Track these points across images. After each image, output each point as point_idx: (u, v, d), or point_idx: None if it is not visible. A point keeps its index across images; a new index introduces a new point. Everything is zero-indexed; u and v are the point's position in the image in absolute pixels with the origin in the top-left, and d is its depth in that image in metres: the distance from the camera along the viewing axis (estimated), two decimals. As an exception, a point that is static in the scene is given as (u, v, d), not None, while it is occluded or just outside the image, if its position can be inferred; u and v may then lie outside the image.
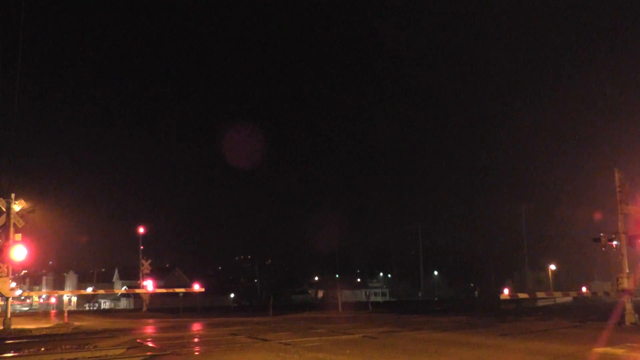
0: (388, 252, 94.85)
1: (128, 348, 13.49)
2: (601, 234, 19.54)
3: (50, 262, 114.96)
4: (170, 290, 39.38)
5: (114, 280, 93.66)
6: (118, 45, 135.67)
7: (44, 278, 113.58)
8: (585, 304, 40.46)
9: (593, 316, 22.50)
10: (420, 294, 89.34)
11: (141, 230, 42.76)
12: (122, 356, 12.25)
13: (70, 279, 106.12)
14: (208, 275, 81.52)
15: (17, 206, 22.07)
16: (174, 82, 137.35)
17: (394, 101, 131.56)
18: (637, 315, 18.06)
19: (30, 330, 20.80)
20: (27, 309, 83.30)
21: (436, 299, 77.12)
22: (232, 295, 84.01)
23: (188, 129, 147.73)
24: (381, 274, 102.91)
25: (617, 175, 18.96)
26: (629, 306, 18.33)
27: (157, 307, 46.84)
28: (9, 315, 21.66)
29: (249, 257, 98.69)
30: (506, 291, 35.36)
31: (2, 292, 21.40)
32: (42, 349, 13.47)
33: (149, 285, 37.50)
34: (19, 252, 20.98)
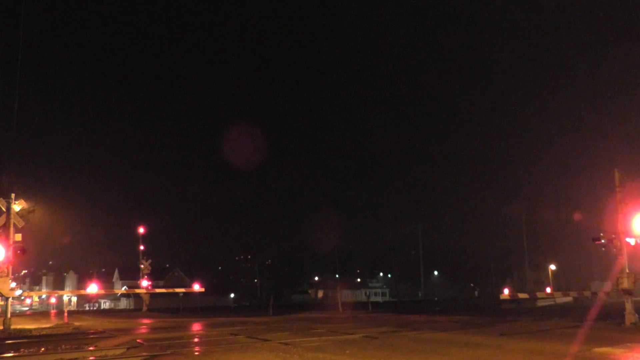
0: (388, 252, 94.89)
1: (128, 348, 13.48)
2: (601, 234, 19.49)
3: (50, 262, 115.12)
4: (170, 290, 39.37)
5: (114, 280, 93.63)
6: (118, 45, 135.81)
7: (44, 278, 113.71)
8: (585, 304, 40.43)
9: (593, 316, 22.48)
10: (420, 294, 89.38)
11: (141, 230, 42.66)
12: (122, 356, 12.25)
13: (70, 279, 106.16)
14: (208, 275, 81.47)
15: (17, 206, 22.06)
16: (174, 82, 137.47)
17: (394, 101, 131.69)
18: (637, 315, 18.04)
19: (30, 330, 20.78)
20: (27, 309, 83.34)
21: (436, 299, 77.11)
22: (232, 295, 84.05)
23: (188, 129, 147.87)
24: (381, 274, 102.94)
25: (617, 175, 18.95)
26: (629, 306, 18.31)
27: (157, 307, 46.79)
28: (8, 315, 21.64)
29: (249, 257, 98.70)
30: (506, 291, 35.41)
31: (2, 292, 21.38)
32: (42, 349, 13.47)
33: (146, 284, 37.61)
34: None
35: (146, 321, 28.33)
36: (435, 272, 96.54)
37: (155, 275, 54.92)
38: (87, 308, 79.44)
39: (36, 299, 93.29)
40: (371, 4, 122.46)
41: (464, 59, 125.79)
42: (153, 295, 43.31)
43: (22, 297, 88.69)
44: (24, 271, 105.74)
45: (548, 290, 38.76)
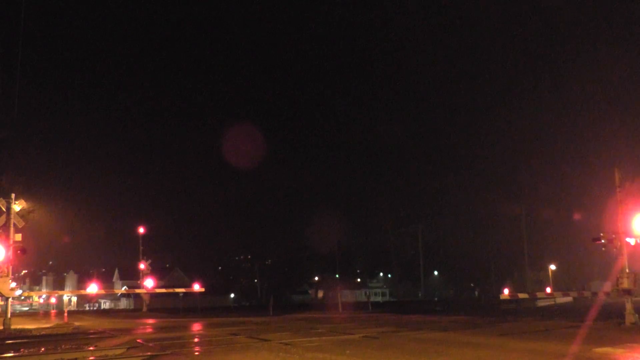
0: (388, 252, 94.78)
1: (128, 348, 13.49)
2: (601, 234, 19.48)
3: (50, 262, 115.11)
4: (170, 290, 39.38)
5: (114, 280, 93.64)
6: (118, 45, 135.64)
7: (44, 278, 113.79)
8: (585, 304, 40.46)
9: (593, 316, 22.48)
10: (420, 294, 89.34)
11: (141, 230, 42.69)
12: (122, 356, 12.26)
13: (70, 279, 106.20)
14: (208, 275, 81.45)
15: (17, 206, 22.09)
16: (174, 82, 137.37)
17: (394, 101, 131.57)
18: (637, 315, 18.04)
19: (30, 330, 20.81)
20: (27, 309, 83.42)
21: (436, 299, 77.18)
22: (232, 295, 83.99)
23: (188, 129, 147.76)
24: (381, 274, 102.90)
25: (617, 175, 18.95)
26: (629, 306, 18.31)
27: (157, 307, 46.85)
28: (9, 315, 21.67)
29: (249, 257, 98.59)
30: (506, 291, 35.46)
31: (2, 292, 21.40)
32: (42, 349, 13.47)
33: (148, 283, 37.53)
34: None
35: (146, 321, 28.36)
36: (436, 272, 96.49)
37: (155, 275, 54.90)
38: (87, 308, 79.50)
39: (36, 299, 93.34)
40: (371, 4, 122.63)
41: (465, 59, 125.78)
42: (153, 295, 43.37)
43: (22, 297, 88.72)
44: (24, 271, 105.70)
45: (548, 290, 38.76)
